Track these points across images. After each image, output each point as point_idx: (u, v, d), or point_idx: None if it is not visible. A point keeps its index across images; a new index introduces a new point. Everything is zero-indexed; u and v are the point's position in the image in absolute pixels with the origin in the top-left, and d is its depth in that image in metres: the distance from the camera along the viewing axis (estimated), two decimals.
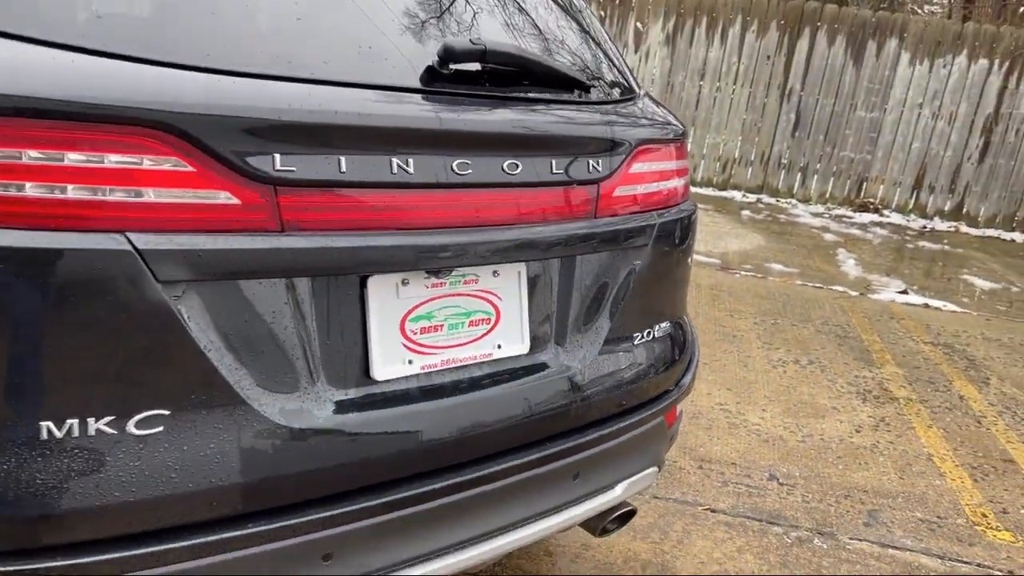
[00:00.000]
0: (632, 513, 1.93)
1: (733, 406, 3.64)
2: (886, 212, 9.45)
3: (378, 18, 1.41)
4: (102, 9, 1.18)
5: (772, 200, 9.48)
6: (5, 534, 1.07)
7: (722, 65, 9.34)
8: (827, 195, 9.57)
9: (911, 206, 9.53)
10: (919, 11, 34.47)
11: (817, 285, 5.99)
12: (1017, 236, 9.35)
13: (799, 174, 9.56)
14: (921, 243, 8.40)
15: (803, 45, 9.23)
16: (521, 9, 1.70)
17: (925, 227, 9.23)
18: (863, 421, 3.68)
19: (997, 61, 9.06)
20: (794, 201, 9.52)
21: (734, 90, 9.39)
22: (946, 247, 8.35)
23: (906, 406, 3.92)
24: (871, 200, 9.52)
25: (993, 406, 4.08)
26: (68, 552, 1.10)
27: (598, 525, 1.88)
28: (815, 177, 9.54)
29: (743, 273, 6.02)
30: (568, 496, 1.65)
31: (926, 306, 5.84)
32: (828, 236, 8.01)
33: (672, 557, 2.49)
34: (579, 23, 1.84)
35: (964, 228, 9.42)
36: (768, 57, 9.26)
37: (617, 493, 1.77)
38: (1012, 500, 3.14)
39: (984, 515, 3.00)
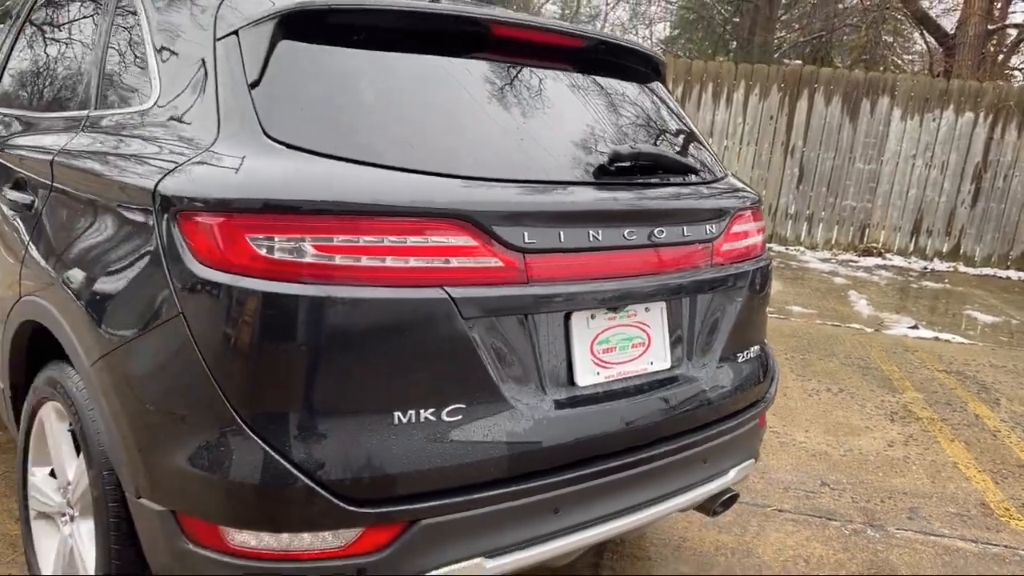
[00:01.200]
0: (735, 498, 2.46)
1: (781, 428, 4.18)
2: (888, 256, 10.08)
3: (567, 139, 2.02)
4: (415, 142, 1.77)
5: (782, 248, 10.11)
6: (372, 487, 1.61)
7: (728, 126, 10.06)
8: (832, 242, 10.21)
9: (911, 249, 10.17)
10: (900, 63, 35.69)
11: (835, 324, 6.57)
12: (1012, 274, 9.96)
13: (805, 223, 10.21)
14: (924, 283, 9.00)
15: (803, 105, 9.97)
16: (647, 119, 2.31)
17: (926, 268, 9.85)
18: (893, 437, 4.22)
19: (982, 114, 9.79)
20: (802, 248, 10.15)
21: (741, 149, 10.10)
22: (947, 286, 8.95)
23: (929, 424, 4.47)
24: (874, 245, 10.15)
25: (1005, 423, 4.63)
26: (404, 500, 1.64)
27: (711, 506, 2.41)
28: (820, 225, 10.19)
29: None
30: (700, 476, 2.19)
31: (936, 339, 6.41)
32: (838, 280, 8.62)
33: (753, 546, 3.01)
34: (684, 125, 2.46)
35: (962, 268, 10.04)
36: (771, 117, 9.99)
37: (730, 476, 2.31)
38: None
39: (1007, 509, 3.52)
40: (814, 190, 10.11)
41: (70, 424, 2.01)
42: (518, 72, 2.08)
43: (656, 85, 2.48)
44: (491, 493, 1.73)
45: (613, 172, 2.01)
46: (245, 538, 1.61)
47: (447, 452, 1.68)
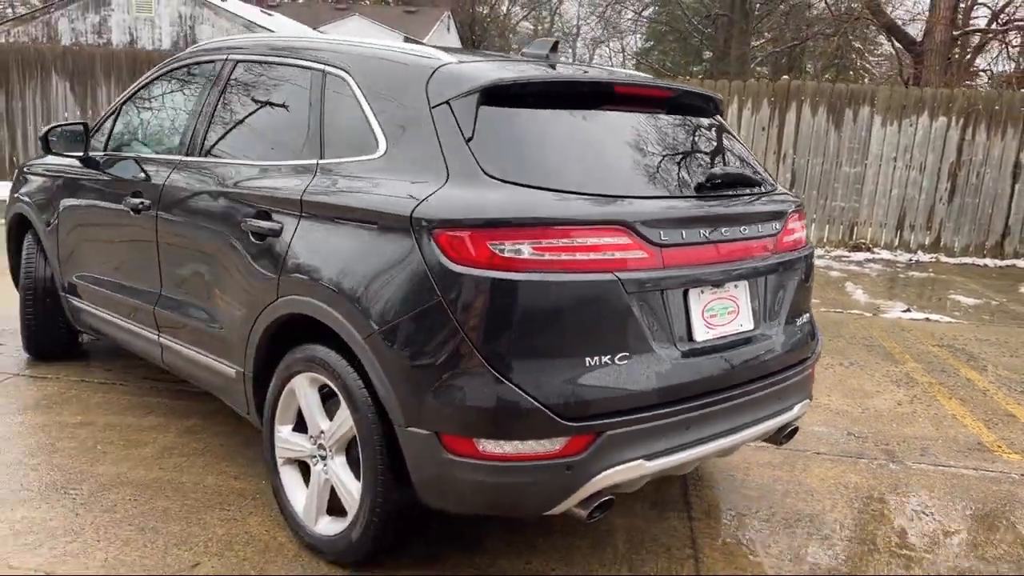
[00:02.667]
0: (796, 430, 3.23)
1: None
2: (876, 250, 10.96)
3: (675, 163, 2.81)
4: (581, 172, 2.55)
5: None
6: (575, 408, 2.36)
7: None
8: (824, 239, 11.08)
9: (896, 243, 11.05)
10: (869, 67, 36.71)
11: (838, 310, 7.40)
12: (988, 261, 10.86)
13: None
14: (910, 273, 9.88)
15: (791, 116, 10.86)
16: (719, 144, 3.10)
17: (911, 260, 10.73)
18: (900, 398, 5.03)
19: (954, 117, 10.72)
20: None
21: None
22: (931, 274, 9.83)
23: (929, 387, 5.28)
24: (862, 241, 11.03)
25: (992, 383, 5.45)
26: (595, 418, 2.41)
27: (778, 437, 3.17)
28: (813, 225, 11.06)
29: None
30: (774, 408, 2.97)
31: (927, 319, 7.26)
32: (833, 273, 9.47)
33: (802, 478, 3.79)
34: (743, 148, 3.26)
35: (943, 258, 10.93)
36: (763, 128, 10.86)
37: (794, 412, 3.09)
38: (1016, 437, 4.48)
39: (999, 446, 4.33)
40: (805, 193, 10.99)
41: (321, 387, 2.77)
42: (634, 116, 2.87)
43: (718, 117, 3.27)
44: (647, 414, 2.50)
45: (710, 187, 2.80)
46: (491, 447, 2.37)
47: (620, 384, 2.45)
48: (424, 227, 2.41)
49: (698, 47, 44.21)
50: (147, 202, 3.59)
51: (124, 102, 4.18)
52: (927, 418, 4.70)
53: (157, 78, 4.05)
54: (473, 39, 43.77)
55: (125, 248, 3.86)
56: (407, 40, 31.62)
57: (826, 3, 23.54)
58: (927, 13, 18.85)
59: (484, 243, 2.34)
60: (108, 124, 4.18)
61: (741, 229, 2.82)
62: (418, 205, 2.44)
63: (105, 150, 4.13)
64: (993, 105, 10.69)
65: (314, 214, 2.79)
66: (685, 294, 2.65)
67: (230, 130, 3.45)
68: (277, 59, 3.32)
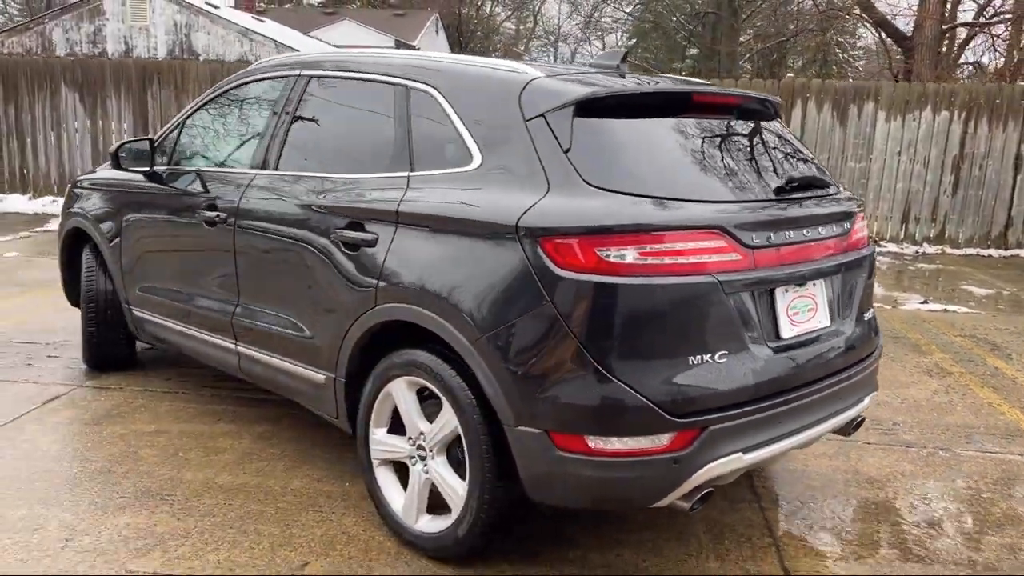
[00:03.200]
0: (863, 421, 3.37)
1: None
2: (883, 243, 11.15)
3: (754, 168, 2.94)
4: (673, 179, 2.68)
5: None
6: (681, 404, 2.49)
7: None
8: None
9: (902, 236, 11.24)
10: (851, 60, 36.93)
11: None
12: (992, 252, 11.07)
13: None
14: (919, 265, 10.07)
15: (797, 113, 11.02)
16: (785, 146, 3.24)
17: (917, 252, 10.93)
18: (936, 388, 5.19)
19: (956, 111, 10.91)
20: None
21: None
22: (939, 266, 10.02)
23: (960, 376, 5.45)
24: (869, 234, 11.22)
25: (1021, 372, 5.62)
26: (699, 414, 2.53)
27: (847, 428, 3.31)
28: None
29: None
30: (850, 401, 3.10)
31: (944, 311, 7.43)
32: None
33: (859, 467, 3.93)
34: (805, 149, 3.39)
35: (948, 250, 11.14)
36: None
37: (865, 403, 3.23)
38: None
39: None
40: None
41: (420, 390, 2.89)
42: (710, 123, 3.00)
43: (778, 120, 3.40)
44: (744, 409, 2.63)
45: (788, 189, 2.93)
46: (601, 443, 2.49)
47: (720, 381, 2.57)
48: (530, 235, 2.53)
49: (683, 44, 44.56)
50: (223, 215, 3.69)
51: (187, 117, 4.27)
52: (965, 407, 4.85)
53: (222, 94, 4.14)
54: (460, 40, 43.91)
55: (198, 260, 3.95)
56: (399, 44, 31.74)
57: (813, 1, 23.71)
58: (916, 8, 19.11)
59: (591, 249, 2.46)
60: (171, 139, 4.27)
61: (819, 230, 2.95)
62: (524, 214, 2.56)
63: (169, 164, 4.23)
64: (994, 99, 10.90)
65: (412, 224, 2.90)
66: (772, 293, 2.78)
67: (309, 144, 3.55)
68: (354, 75, 3.42)
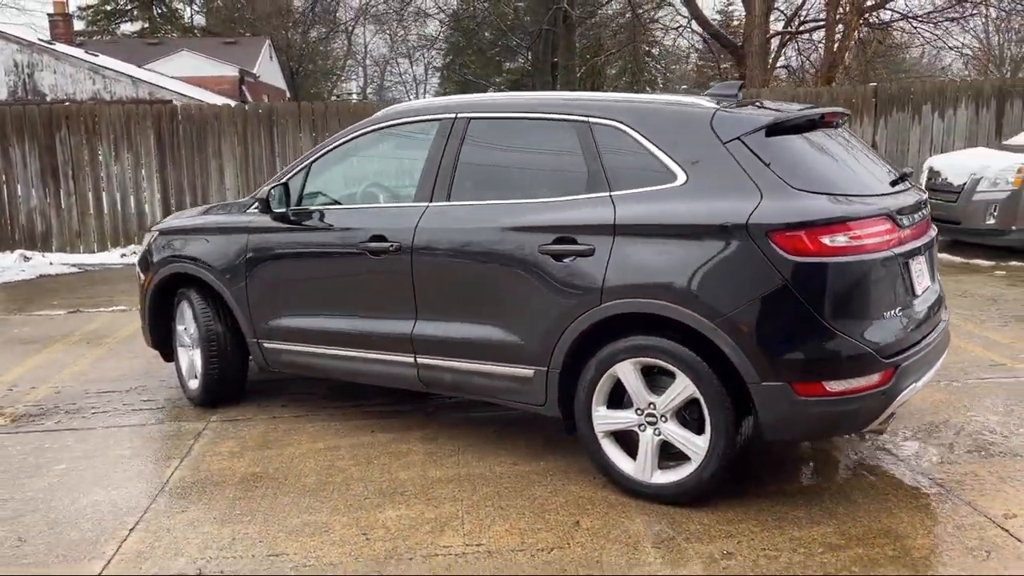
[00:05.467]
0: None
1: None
2: None
3: (868, 165, 3.81)
4: (843, 179, 3.50)
5: None
6: (887, 349, 3.31)
7: None
8: None
9: None
10: (661, 68, 39.46)
11: None
12: None
13: None
14: None
15: None
16: (869, 151, 4.15)
17: None
18: None
19: None
20: None
21: None
22: None
23: None
24: None
25: (959, 320, 6.90)
26: (894, 356, 3.35)
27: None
28: None
29: None
30: (943, 355, 4.03)
31: None
32: None
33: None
34: (872, 148, 4.32)
35: None
36: None
37: (943, 357, 4.18)
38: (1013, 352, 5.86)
39: (1005, 362, 5.68)
40: None
41: (643, 368, 3.54)
42: (829, 134, 3.83)
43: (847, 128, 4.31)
44: (914, 349, 3.49)
45: (894, 183, 3.82)
46: (837, 385, 3.27)
47: (901, 329, 3.43)
48: (761, 231, 3.27)
49: (496, 60, 46.23)
50: (395, 244, 4.15)
51: (313, 162, 4.65)
52: None
53: (348, 141, 4.56)
54: (291, 66, 43.51)
55: (359, 287, 4.38)
56: (243, 72, 31.19)
57: (635, 13, 25.47)
58: (744, 17, 21.27)
59: (816, 238, 3.24)
60: (296, 183, 4.64)
61: (920, 212, 3.87)
62: (752, 215, 3.30)
63: (299, 204, 4.61)
64: (850, 99, 12.61)
65: (631, 233, 3.55)
66: (909, 261, 3.65)
67: (486, 176, 4.12)
68: (526, 116, 4.04)
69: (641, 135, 3.68)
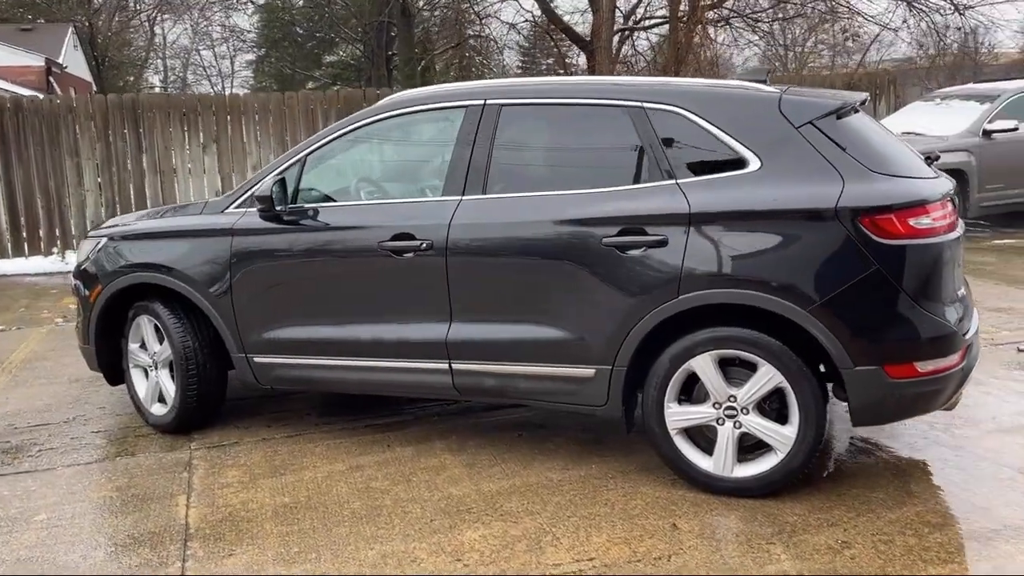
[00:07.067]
0: None
1: None
2: None
3: (904, 148, 3.90)
4: (907, 163, 3.53)
5: None
6: (962, 328, 3.38)
7: None
8: None
9: None
10: (485, 63, 40.00)
11: None
12: None
13: None
14: None
15: None
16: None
17: None
18: None
19: None
20: None
21: None
22: None
23: None
24: None
25: None
26: (966, 334, 3.43)
27: None
28: None
29: None
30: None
31: None
32: None
33: None
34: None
35: None
36: None
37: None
38: None
39: None
40: None
41: (720, 360, 3.44)
42: (866, 116, 3.87)
43: None
44: (971, 329, 3.59)
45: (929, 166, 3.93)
46: (929, 366, 3.31)
47: (966, 309, 3.52)
48: (851, 215, 3.25)
49: (316, 53, 44.98)
50: (425, 242, 3.82)
51: (309, 154, 4.20)
52: None
53: (356, 129, 4.15)
54: (96, 56, 40.15)
55: (378, 290, 4.00)
56: (49, 62, 28.43)
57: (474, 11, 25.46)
58: (592, 15, 21.73)
59: (906, 220, 3.27)
60: (290, 178, 4.17)
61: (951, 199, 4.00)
62: (840, 199, 3.27)
63: (294, 203, 4.15)
64: None
65: (708, 222, 3.43)
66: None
67: (527, 167, 3.87)
68: (569, 102, 3.82)
69: (705, 120, 3.56)
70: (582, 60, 23.28)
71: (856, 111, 3.67)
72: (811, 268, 3.33)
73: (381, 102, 4.24)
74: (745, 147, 3.49)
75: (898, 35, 20.32)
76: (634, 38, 23.73)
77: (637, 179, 3.64)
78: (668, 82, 3.89)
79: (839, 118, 3.49)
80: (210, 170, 10.98)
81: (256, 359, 4.30)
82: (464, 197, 3.85)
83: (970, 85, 12.37)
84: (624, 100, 3.70)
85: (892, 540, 3.15)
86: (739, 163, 3.49)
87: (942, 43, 19.65)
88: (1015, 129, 9.96)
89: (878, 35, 20.91)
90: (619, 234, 3.56)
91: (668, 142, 3.60)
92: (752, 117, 3.55)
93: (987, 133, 9.89)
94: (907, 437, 4.10)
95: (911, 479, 3.68)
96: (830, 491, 3.57)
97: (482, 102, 3.93)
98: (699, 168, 3.56)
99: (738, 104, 3.61)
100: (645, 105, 3.66)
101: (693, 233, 3.46)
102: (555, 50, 25.88)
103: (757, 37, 22.57)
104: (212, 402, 4.50)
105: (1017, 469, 3.72)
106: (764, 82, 3.92)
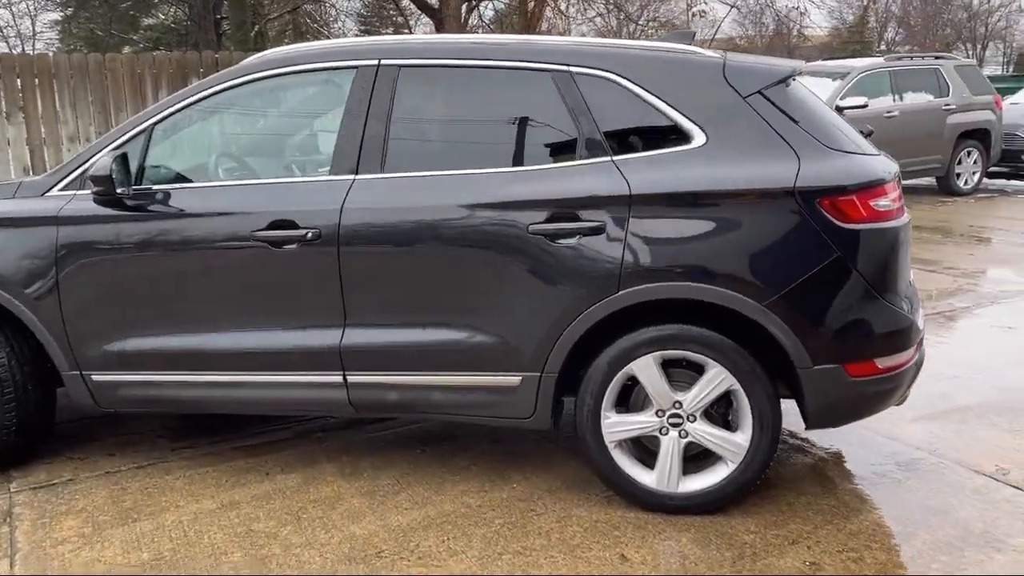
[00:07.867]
0: None
1: None
2: None
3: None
4: (852, 138, 3.20)
5: None
6: (916, 318, 3.11)
7: None
8: None
9: None
10: (323, 31, 38.43)
11: None
12: None
13: None
14: None
15: None
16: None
17: None
18: None
19: None
20: None
21: None
22: None
23: None
24: None
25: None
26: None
27: None
28: None
29: None
30: None
31: None
32: None
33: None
34: None
35: None
36: None
37: None
38: None
39: None
40: None
41: (665, 362, 3.02)
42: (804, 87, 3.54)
43: None
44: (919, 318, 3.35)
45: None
46: (888, 362, 3.01)
47: (915, 298, 3.26)
48: (808, 197, 2.89)
49: (132, 15, 41.71)
50: (313, 231, 3.16)
51: (156, 124, 3.41)
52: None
53: (217, 93, 3.38)
54: None
55: (254, 290, 3.30)
56: None
57: None
58: None
59: (867, 202, 2.94)
60: (134, 154, 3.37)
61: None
62: (797, 178, 2.90)
63: (138, 184, 3.37)
64: None
65: (651, 204, 2.98)
66: None
67: (435, 141, 3.28)
68: (476, 63, 3.24)
69: (642, 88, 3.10)
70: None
71: (795, 79, 3.32)
72: (767, 257, 2.95)
73: (248, 60, 3.50)
74: (688, 119, 3.05)
75: (726, 15, 20.97)
76: (481, 8, 23.26)
77: (567, 156, 3.13)
78: (598, 43, 3.40)
79: (785, 87, 3.11)
80: (16, 142, 9.53)
81: (95, 377, 3.48)
82: (358, 176, 3.21)
83: (819, 63, 12.69)
84: (547, 63, 3.17)
85: (862, 557, 2.84)
86: (682, 138, 3.06)
87: (761, 24, 20.44)
88: (865, 106, 10.24)
89: (726, 17, 21.45)
90: (548, 220, 3.05)
91: (601, 113, 3.11)
92: (694, 85, 3.11)
93: (839, 110, 10.08)
94: (836, 430, 3.85)
95: (857, 478, 3.42)
96: (778, 499, 3.25)
97: (376, 62, 3.28)
98: (638, 144, 3.11)
99: (678, 70, 3.16)
100: (572, 69, 3.14)
101: (634, 218, 3.00)
102: (398, 19, 24.92)
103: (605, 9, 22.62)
104: (36, 431, 3.64)
105: (954, 460, 3.54)
106: (690, 44, 3.50)
